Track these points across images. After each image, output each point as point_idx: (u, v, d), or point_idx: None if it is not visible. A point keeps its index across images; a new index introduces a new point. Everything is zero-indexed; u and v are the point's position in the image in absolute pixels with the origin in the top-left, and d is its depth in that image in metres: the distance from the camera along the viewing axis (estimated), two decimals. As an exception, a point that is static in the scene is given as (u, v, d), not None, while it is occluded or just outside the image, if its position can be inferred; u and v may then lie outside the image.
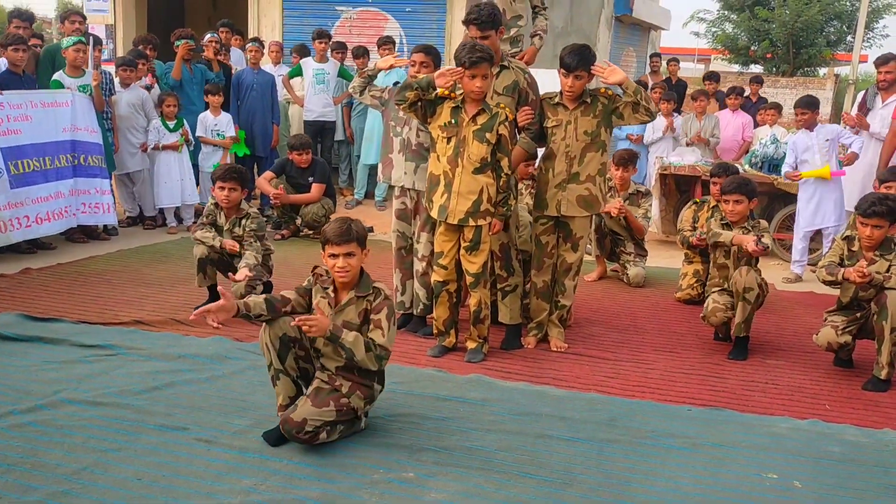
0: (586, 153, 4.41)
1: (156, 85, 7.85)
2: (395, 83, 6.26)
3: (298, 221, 7.57)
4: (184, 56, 7.96)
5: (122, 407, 3.47)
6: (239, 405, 3.57)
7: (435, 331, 4.52)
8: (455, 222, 4.20)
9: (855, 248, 4.34)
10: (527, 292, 4.84)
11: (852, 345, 4.36)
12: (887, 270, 4.15)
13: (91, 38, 7.07)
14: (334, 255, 3.18)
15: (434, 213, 4.28)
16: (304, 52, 9.03)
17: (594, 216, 4.96)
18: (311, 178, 7.48)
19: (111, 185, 7.21)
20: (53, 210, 6.47)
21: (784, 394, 4.05)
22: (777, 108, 8.64)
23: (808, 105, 6.51)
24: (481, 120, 4.14)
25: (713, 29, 25.72)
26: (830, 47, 24.79)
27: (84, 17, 7.22)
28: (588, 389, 3.97)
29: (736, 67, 26.45)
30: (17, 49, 6.36)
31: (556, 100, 4.48)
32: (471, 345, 4.41)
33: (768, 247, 4.60)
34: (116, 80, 7.38)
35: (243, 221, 4.99)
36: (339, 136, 9.22)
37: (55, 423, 3.28)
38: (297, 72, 8.89)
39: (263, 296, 3.26)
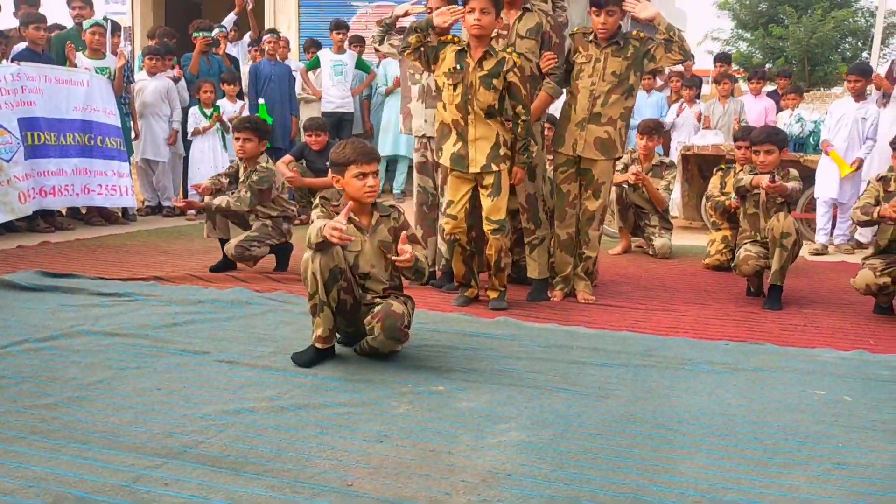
0: (611, 95, 4.31)
1: (182, 77, 7.88)
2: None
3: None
4: (202, 50, 7.99)
5: (141, 337, 3.36)
6: (261, 336, 3.46)
7: (455, 283, 4.41)
8: (477, 170, 4.08)
9: (892, 189, 4.20)
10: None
11: (892, 289, 4.20)
12: None
13: (110, 23, 7.10)
14: (363, 175, 3.09)
15: (446, 162, 4.12)
16: (316, 46, 9.05)
17: (615, 169, 4.80)
18: (327, 163, 7.40)
19: (129, 170, 7.19)
20: (56, 185, 6.42)
21: (826, 333, 3.88)
22: (798, 90, 8.54)
23: (862, 72, 6.41)
24: (488, 65, 3.98)
25: (728, 47, 25.74)
26: (846, 63, 24.71)
27: (87, 1, 7.25)
28: (620, 330, 3.83)
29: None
30: (38, 27, 6.39)
31: (591, 37, 4.35)
32: (492, 294, 4.28)
33: (794, 186, 4.46)
34: (143, 70, 7.43)
35: (252, 174, 4.91)
36: (357, 129, 9.19)
37: (72, 348, 3.19)
38: (314, 63, 8.89)
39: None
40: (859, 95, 6.41)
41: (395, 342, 3.09)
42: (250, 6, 9.07)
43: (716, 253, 5.68)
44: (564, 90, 4.57)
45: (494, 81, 3.97)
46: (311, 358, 3.07)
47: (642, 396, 2.85)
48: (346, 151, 3.12)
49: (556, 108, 5.27)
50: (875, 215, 4.04)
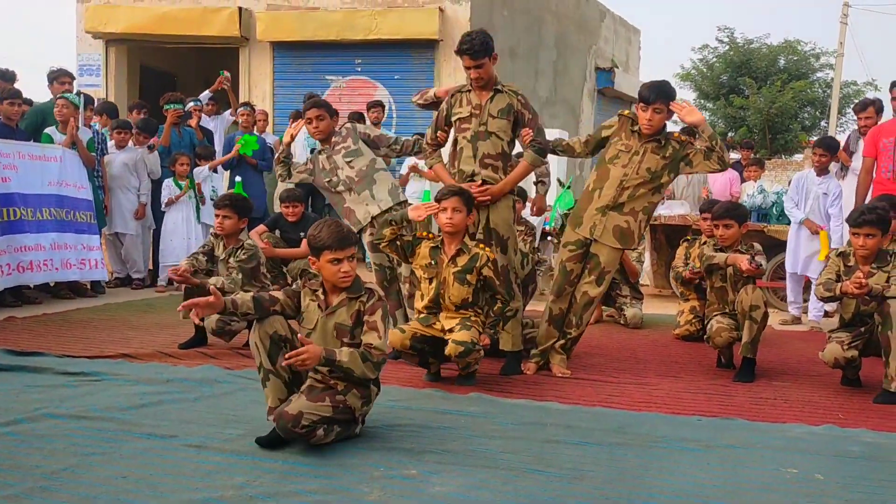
0: (640, 188, 4.36)
1: (156, 146, 7.89)
2: (312, 150, 6.51)
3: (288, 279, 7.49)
4: (173, 122, 8.05)
5: (107, 420, 3.30)
6: (230, 418, 3.40)
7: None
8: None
9: (851, 263, 4.30)
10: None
11: (859, 361, 4.26)
12: (886, 281, 4.11)
13: (83, 97, 7.15)
14: (338, 260, 3.08)
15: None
16: (298, 116, 9.16)
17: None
18: (301, 234, 7.44)
19: (100, 243, 7.14)
20: (34, 261, 6.35)
21: (795, 407, 3.92)
22: (759, 163, 8.81)
23: (829, 148, 6.49)
24: (461, 261, 4.09)
25: (691, 118, 26.44)
26: (805, 132, 25.56)
27: (73, 77, 7.31)
28: (593, 405, 3.83)
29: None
30: (13, 103, 6.42)
31: (635, 128, 4.41)
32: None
33: (762, 265, 4.56)
34: (111, 142, 7.45)
35: (238, 252, 4.90)
36: (330, 199, 9.25)
37: (35, 433, 3.11)
38: (289, 136, 8.98)
39: (251, 294, 3.16)
40: (822, 170, 6.50)
41: (294, 436, 2.96)
42: (227, 85, 9.20)
43: (685, 323, 5.74)
44: (594, 167, 4.67)
45: (468, 277, 4.08)
46: (275, 439, 3.02)
47: (616, 478, 2.84)
48: (321, 236, 3.09)
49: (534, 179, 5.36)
50: (837, 291, 4.13)
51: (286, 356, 2.89)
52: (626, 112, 4.53)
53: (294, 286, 3.27)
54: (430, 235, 4.21)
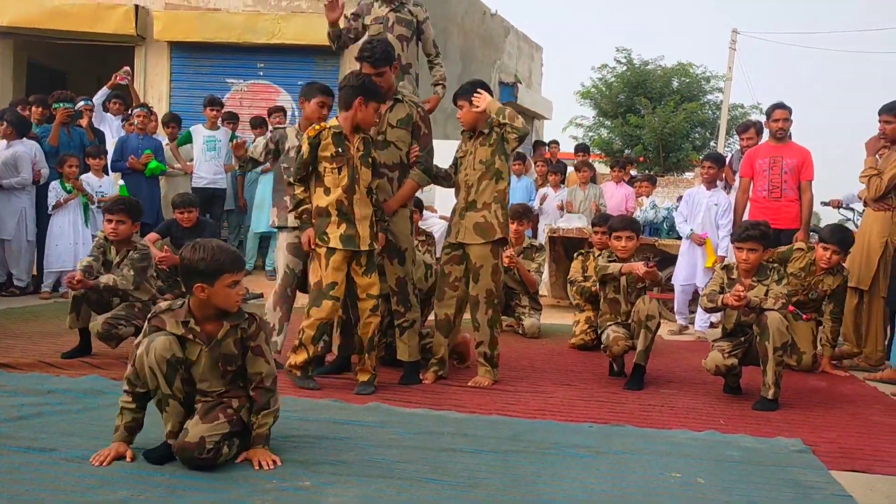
0: (482, 181, 4.49)
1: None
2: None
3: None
4: (62, 121, 7.68)
5: (-20, 434, 3.11)
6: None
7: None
8: (366, 248, 4.16)
9: (734, 276, 4.54)
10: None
11: (739, 370, 4.48)
12: (765, 294, 4.35)
13: None
14: (236, 283, 2.95)
15: (336, 244, 4.14)
16: (176, 121, 8.90)
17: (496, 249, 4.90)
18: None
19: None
20: None
21: (680, 413, 4.08)
22: (650, 179, 9.20)
23: (716, 160, 6.92)
24: (361, 145, 4.20)
25: (590, 133, 27.30)
26: (696, 151, 26.74)
27: None
28: (489, 413, 3.88)
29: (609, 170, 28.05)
30: None
31: (467, 132, 4.62)
32: (362, 377, 4.26)
33: (655, 269, 4.73)
34: None
35: (131, 252, 4.72)
36: (229, 205, 9.04)
37: None
38: (186, 139, 8.73)
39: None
40: (711, 182, 6.84)
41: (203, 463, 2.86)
42: (125, 80, 8.84)
43: (580, 333, 5.90)
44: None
45: (370, 158, 4.20)
46: (165, 454, 2.91)
47: (510, 484, 2.89)
48: (220, 258, 2.89)
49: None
50: (719, 302, 4.34)
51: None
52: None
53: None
54: (324, 125, 4.21)
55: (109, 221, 4.71)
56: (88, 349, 4.73)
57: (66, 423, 3.33)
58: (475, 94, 4.44)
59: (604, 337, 4.85)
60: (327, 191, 4.16)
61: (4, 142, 7.08)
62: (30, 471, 2.75)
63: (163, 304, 3.05)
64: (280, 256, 4.79)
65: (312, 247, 4.21)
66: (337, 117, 4.24)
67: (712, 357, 4.42)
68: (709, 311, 4.55)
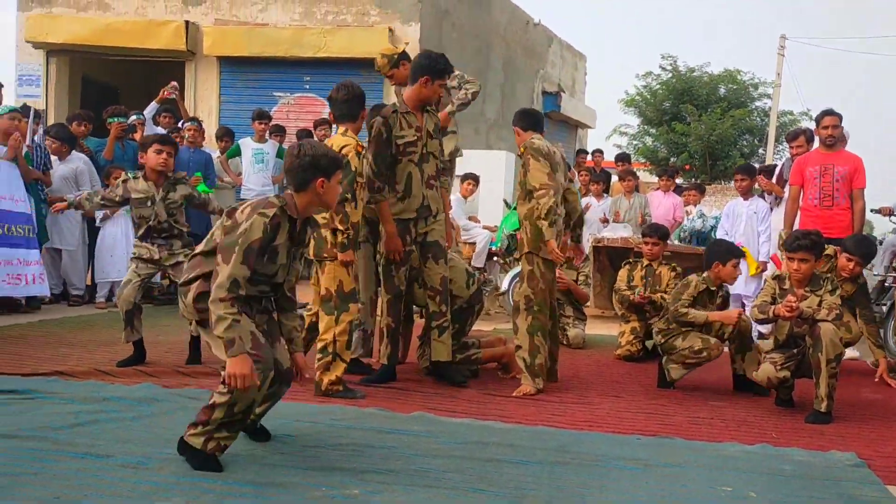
0: (520, 200, 4.72)
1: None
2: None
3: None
4: (116, 135, 7.90)
5: (39, 439, 3.20)
6: (168, 437, 3.31)
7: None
8: None
9: (786, 286, 4.45)
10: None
11: (791, 382, 4.40)
12: (818, 304, 4.26)
13: (32, 111, 7.00)
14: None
15: None
16: (229, 135, 9.07)
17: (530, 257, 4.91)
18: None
19: (39, 257, 6.90)
20: None
21: (731, 427, 4.02)
22: (699, 188, 9.07)
23: (747, 171, 7.00)
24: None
25: (635, 142, 27.06)
26: (744, 159, 26.32)
27: (0, 85, 7.12)
28: (535, 424, 3.87)
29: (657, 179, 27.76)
30: (-52, 115, 6.24)
31: None
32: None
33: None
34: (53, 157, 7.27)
35: (177, 186, 4.98)
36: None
37: (-38, 454, 3.00)
38: (235, 152, 8.90)
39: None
40: (747, 193, 6.93)
41: None
42: (173, 95, 9.06)
43: (626, 344, 5.84)
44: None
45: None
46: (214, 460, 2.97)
47: (557, 496, 2.88)
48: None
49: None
50: (771, 314, 4.26)
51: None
52: None
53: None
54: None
55: (160, 152, 4.91)
56: (143, 358, 4.84)
57: (121, 429, 3.41)
58: None
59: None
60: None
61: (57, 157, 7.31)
62: (87, 476, 2.83)
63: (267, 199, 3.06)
64: (365, 268, 4.83)
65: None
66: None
67: (764, 369, 4.34)
68: (760, 322, 4.47)
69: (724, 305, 5.12)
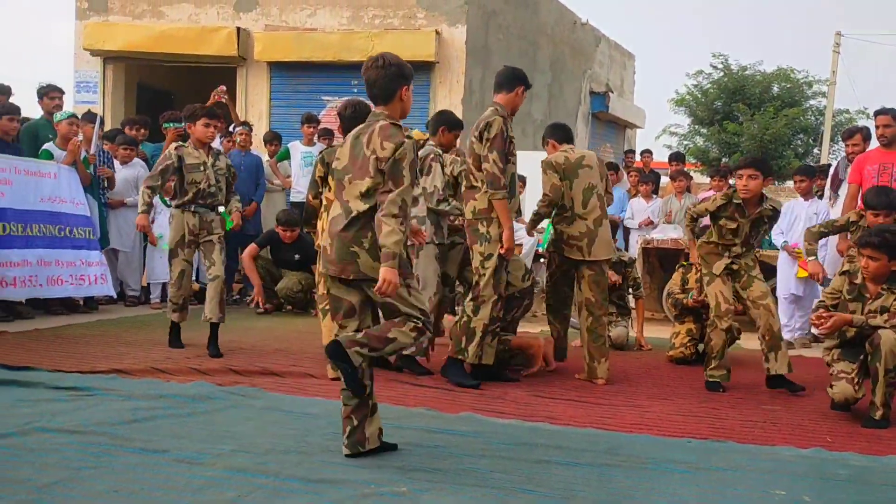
0: None
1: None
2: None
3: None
4: (173, 140, 8.08)
5: (99, 434, 3.31)
6: (222, 434, 3.41)
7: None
8: None
9: (857, 281, 4.30)
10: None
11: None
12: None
13: (98, 118, 7.26)
14: None
15: None
16: (277, 139, 9.19)
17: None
18: (296, 256, 7.49)
19: (101, 259, 7.09)
20: (18, 277, 6.31)
21: (784, 430, 3.94)
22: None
23: (806, 172, 6.89)
24: None
25: (685, 142, 26.64)
26: (799, 159, 25.70)
27: (62, 92, 7.36)
28: (584, 426, 3.84)
29: (708, 179, 27.26)
30: (12, 119, 6.47)
31: None
32: None
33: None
34: (116, 161, 7.49)
35: (221, 157, 5.47)
36: (325, 218, 9.27)
37: (26, 447, 3.12)
38: (284, 155, 9.03)
39: None
40: (807, 193, 6.78)
41: None
42: (222, 98, 9.23)
43: (680, 346, 5.74)
44: None
45: None
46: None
47: (606, 499, 2.86)
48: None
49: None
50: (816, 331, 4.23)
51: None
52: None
53: None
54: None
55: (208, 126, 5.31)
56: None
57: (176, 426, 3.50)
58: None
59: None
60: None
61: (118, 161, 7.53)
62: (145, 470, 2.91)
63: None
64: (430, 268, 4.99)
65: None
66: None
67: (842, 389, 4.14)
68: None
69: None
